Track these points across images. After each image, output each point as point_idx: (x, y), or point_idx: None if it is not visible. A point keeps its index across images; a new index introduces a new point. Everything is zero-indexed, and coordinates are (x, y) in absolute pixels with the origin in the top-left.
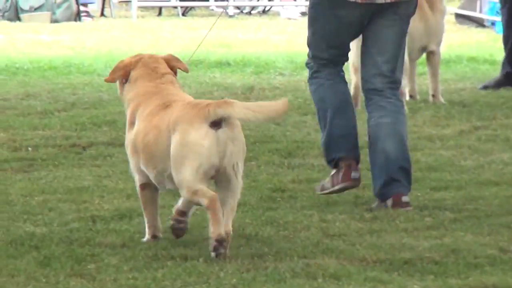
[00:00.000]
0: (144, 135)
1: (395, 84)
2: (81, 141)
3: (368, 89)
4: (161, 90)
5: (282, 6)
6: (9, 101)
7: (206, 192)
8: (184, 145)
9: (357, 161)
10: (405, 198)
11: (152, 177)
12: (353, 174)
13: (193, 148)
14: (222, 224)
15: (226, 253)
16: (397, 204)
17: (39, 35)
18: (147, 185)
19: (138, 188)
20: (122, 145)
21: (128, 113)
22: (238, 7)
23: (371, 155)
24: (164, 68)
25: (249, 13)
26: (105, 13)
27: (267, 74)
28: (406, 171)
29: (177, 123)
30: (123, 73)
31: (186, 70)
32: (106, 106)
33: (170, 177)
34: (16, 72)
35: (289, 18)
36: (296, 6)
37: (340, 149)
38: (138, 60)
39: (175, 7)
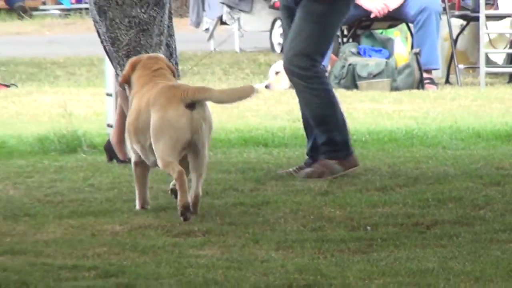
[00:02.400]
0: (130, 115)
1: None
2: (424, 219)
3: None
4: (154, 79)
5: None
6: (346, 177)
7: (175, 167)
8: (163, 121)
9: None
10: None
11: (139, 151)
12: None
13: (171, 125)
14: (187, 194)
15: (189, 216)
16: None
17: (378, 105)
18: (138, 163)
19: (132, 166)
20: (469, 224)
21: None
22: None
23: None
24: (160, 65)
25: None
26: (450, 80)
27: None
28: None
29: (156, 101)
30: (124, 81)
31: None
32: (452, 181)
33: (151, 150)
34: (354, 145)
35: None
36: None
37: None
38: (136, 62)
39: None
